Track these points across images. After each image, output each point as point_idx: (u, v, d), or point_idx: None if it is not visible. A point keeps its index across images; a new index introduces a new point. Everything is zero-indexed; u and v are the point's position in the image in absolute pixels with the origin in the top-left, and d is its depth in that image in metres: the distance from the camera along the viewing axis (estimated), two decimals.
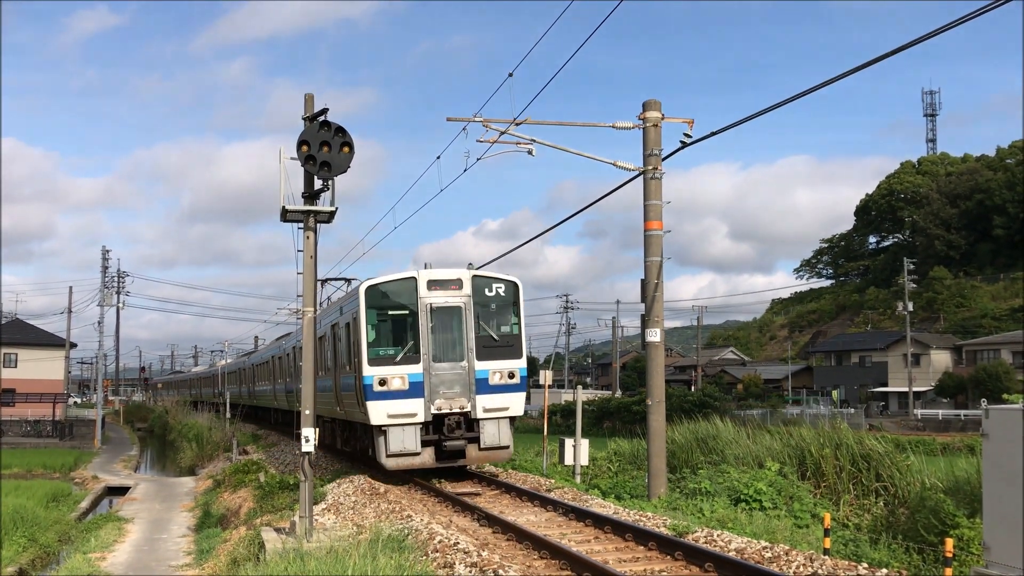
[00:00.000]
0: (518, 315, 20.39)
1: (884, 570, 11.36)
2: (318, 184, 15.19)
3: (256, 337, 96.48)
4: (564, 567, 11.76)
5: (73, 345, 79.64)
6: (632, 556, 12.39)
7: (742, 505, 18.52)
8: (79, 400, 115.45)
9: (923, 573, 15.14)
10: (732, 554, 12.01)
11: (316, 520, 15.76)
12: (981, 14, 11.34)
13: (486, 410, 19.59)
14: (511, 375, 19.90)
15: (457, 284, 19.95)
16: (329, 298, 29.53)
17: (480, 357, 19.67)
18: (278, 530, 15.99)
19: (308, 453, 15.05)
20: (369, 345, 19.39)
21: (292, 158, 14.94)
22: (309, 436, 14.97)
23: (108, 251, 68.61)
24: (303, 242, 15.53)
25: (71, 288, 74.84)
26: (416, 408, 19.23)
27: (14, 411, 66.39)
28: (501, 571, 11.09)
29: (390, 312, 19.82)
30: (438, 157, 23.51)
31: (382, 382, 19.14)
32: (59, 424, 64.80)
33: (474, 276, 20.19)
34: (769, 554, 12.08)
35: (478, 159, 21.30)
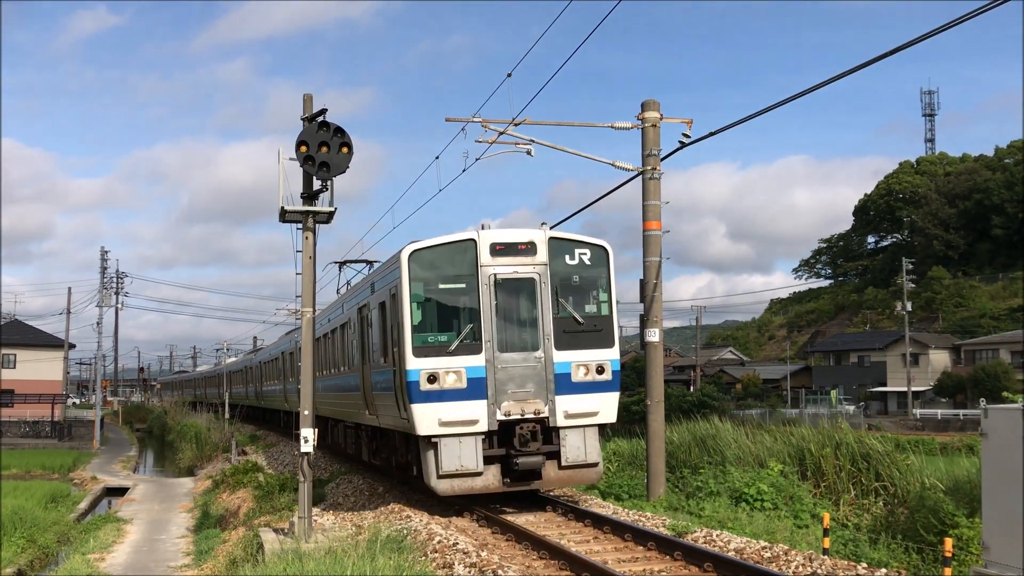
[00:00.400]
0: (608, 290, 16.14)
1: (883, 570, 11.36)
2: (317, 184, 15.20)
3: (255, 338, 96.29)
4: (563, 567, 11.76)
5: (72, 346, 79.70)
6: (631, 556, 12.39)
7: (742, 505, 18.53)
8: (78, 401, 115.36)
9: (922, 573, 15.14)
10: (731, 554, 12.01)
11: (315, 520, 15.77)
12: (980, 14, 11.34)
13: (568, 415, 15.38)
14: (600, 369, 15.69)
15: (529, 249, 15.68)
16: (349, 283, 26.03)
17: (560, 346, 15.51)
18: (277, 531, 15.99)
19: (307, 454, 15.06)
20: (414, 329, 15.22)
21: (291, 158, 14.95)
22: (308, 436, 14.99)
23: (107, 252, 68.66)
24: (302, 242, 15.54)
25: (70, 289, 74.99)
26: (477, 413, 15.04)
27: (13, 412, 66.36)
28: (500, 571, 11.09)
29: (441, 286, 15.55)
30: (437, 157, 23.38)
31: (431, 378, 15.00)
32: (58, 425, 64.79)
33: (551, 238, 15.89)
34: (768, 554, 12.08)
35: (477, 159, 21.26)
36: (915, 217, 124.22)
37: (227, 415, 56.52)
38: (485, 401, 15.14)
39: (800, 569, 11.30)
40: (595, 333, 15.85)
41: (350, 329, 20.83)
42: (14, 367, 76.78)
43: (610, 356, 15.85)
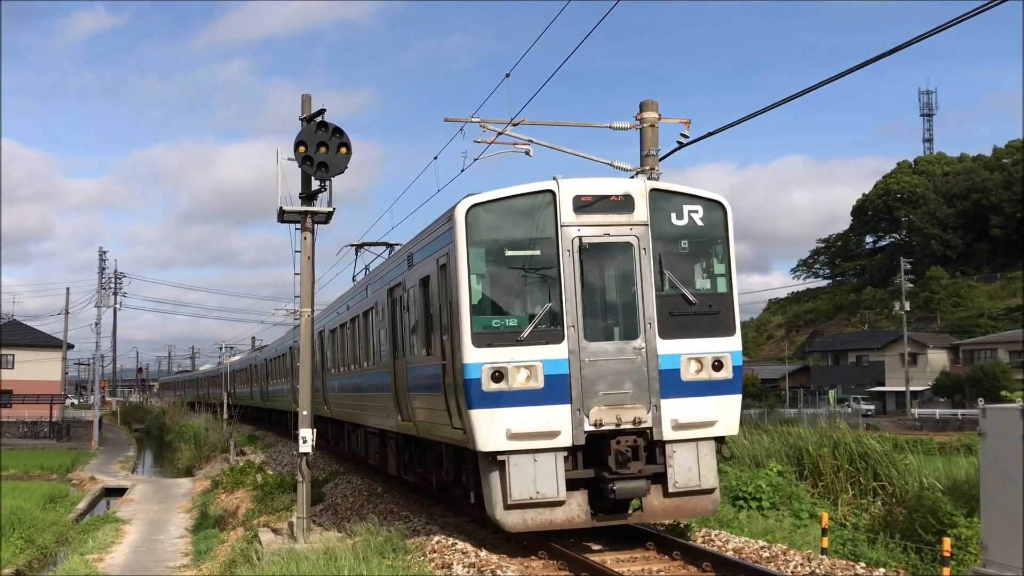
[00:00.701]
0: (727, 260, 12.83)
1: (882, 570, 11.38)
2: (315, 185, 15.22)
3: (253, 338, 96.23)
4: (562, 567, 11.75)
5: (70, 346, 79.71)
6: (630, 556, 12.38)
7: (740, 503, 18.56)
8: (76, 401, 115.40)
9: (921, 572, 15.17)
10: (730, 554, 12.02)
11: (314, 521, 15.77)
12: (978, 13, 11.35)
13: (678, 425, 12.03)
14: (718, 364, 12.36)
15: (625, 203, 12.37)
16: (368, 267, 22.86)
17: (666, 333, 12.20)
18: (275, 531, 16.00)
19: (306, 454, 15.06)
20: (474, 311, 11.85)
21: (289, 159, 14.98)
22: (307, 436, 15.00)
23: (105, 252, 68.76)
24: (300, 243, 15.56)
25: (68, 289, 74.87)
26: (558, 422, 11.71)
27: (11, 412, 66.31)
28: (499, 571, 11.09)
29: (510, 252, 12.16)
30: (435, 157, 23.38)
31: (497, 375, 11.67)
32: (56, 425, 64.78)
33: (653, 191, 12.59)
34: (767, 554, 12.10)
35: (475, 159, 21.22)
36: (913, 217, 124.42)
37: (226, 415, 56.39)
38: (568, 406, 11.78)
39: (799, 569, 11.31)
40: (710, 316, 12.50)
41: (377, 316, 17.78)
42: (12, 367, 76.76)
43: (730, 347, 12.49)
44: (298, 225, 15.61)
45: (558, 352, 11.85)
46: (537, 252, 12.15)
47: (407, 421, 15.47)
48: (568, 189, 12.22)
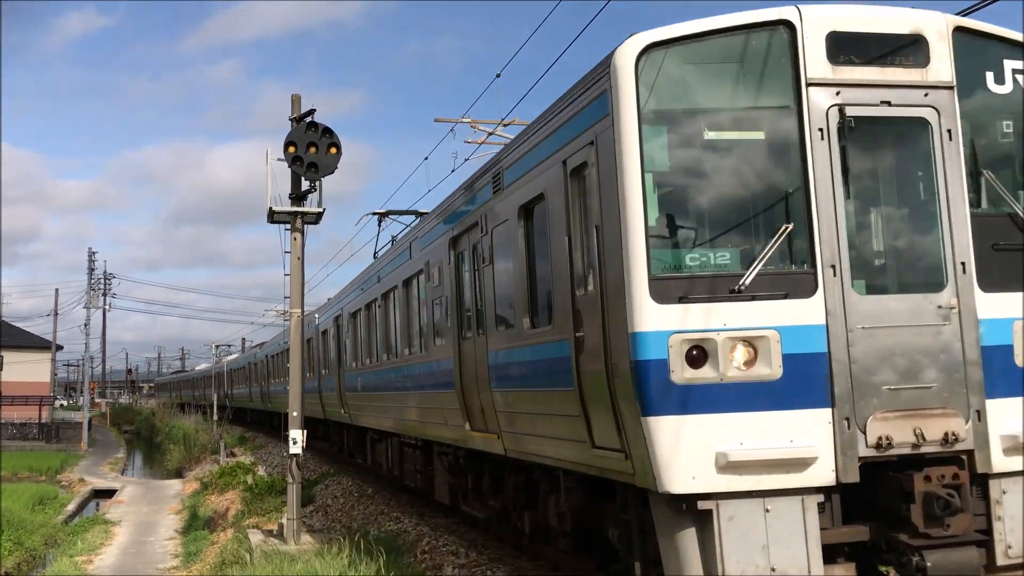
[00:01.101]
0: None
1: None
2: (305, 185, 15.20)
3: (243, 339, 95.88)
4: (554, 568, 11.74)
5: (59, 347, 79.43)
6: None
7: None
8: (65, 403, 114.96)
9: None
10: None
11: (304, 522, 15.74)
12: (974, 11, 11.40)
13: (1016, 447, 7.06)
14: None
15: (915, 50, 7.29)
16: (394, 239, 18.72)
17: (988, 282, 7.18)
18: (266, 532, 15.96)
19: (296, 455, 15.02)
20: (651, 240, 6.81)
21: (279, 159, 14.95)
22: (296, 438, 14.96)
23: (94, 253, 68.58)
24: (290, 243, 15.52)
25: (57, 290, 75.07)
26: (810, 440, 6.74)
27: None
28: (490, 572, 11.08)
29: (711, 135, 7.11)
30: (426, 158, 23.36)
31: (695, 355, 6.70)
32: (45, 427, 64.55)
33: (960, 30, 7.45)
34: None
35: (466, 160, 21.24)
36: None
37: (215, 416, 56.11)
38: (828, 411, 6.80)
39: None
40: None
41: (428, 281, 13.14)
42: (0, 369, 76.43)
43: None
44: (288, 226, 15.58)
45: (807, 313, 6.87)
46: (761, 134, 7.18)
47: (482, 432, 10.78)
48: (817, 21, 7.14)
